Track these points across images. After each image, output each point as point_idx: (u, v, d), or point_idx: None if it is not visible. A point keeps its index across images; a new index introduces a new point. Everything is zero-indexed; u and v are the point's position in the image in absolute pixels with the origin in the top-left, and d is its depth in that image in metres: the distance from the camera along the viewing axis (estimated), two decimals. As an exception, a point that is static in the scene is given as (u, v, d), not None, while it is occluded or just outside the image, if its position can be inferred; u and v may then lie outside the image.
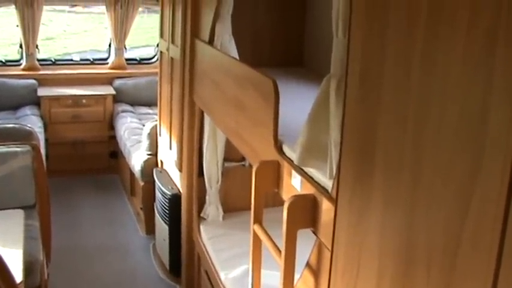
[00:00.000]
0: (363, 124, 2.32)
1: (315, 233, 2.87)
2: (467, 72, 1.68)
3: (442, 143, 1.79)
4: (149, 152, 7.11)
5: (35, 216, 5.46)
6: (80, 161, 8.97)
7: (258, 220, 3.38)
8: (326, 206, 2.73)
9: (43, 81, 9.12)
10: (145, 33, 12.86)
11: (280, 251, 2.98)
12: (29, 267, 4.55)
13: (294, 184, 3.10)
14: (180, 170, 5.83)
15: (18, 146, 5.69)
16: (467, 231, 1.69)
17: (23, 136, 5.94)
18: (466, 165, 1.68)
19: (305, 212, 2.86)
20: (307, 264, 2.99)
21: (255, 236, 3.39)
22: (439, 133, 1.81)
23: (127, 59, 9.63)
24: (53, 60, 9.75)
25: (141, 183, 7.18)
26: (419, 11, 1.90)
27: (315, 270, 2.91)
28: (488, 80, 1.59)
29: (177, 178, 6.02)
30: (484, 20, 1.60)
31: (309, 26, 5.86)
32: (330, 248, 2.67)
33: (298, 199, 2.87)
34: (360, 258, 2.38)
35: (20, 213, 5.14)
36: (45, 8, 9.07)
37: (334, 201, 2.61)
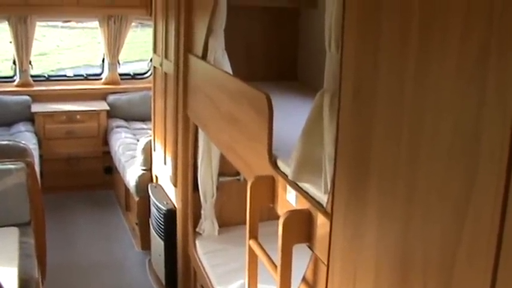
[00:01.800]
0: (357, 138, 2.32)
1: (310, 247, 2.86)
2: (461, 85, 1.68)
3: (436, 156, 1.79)
4: (144, 167, 7.10)
5: (29, 234, 5.43)
6: (75, 177, 8.95)
7: (253, 235, 3.37)
8: (321, 220, 2.72)
9: (37, 98, 9.10)
10: (139, 48, 12.85)
11: (276, 266, 2.98)
12: (24, 285, 4.52)
13: (289, 199, 3.09)
14: (175, 185, 5.82)
15: (13, 163, 5.67)
16: (463, 245, 1.69)
17: (17, 153, 5.92)
18: (461, 178, 1.68)
19: (300, 227, 2.85)
20: (303, 279, 2.98)
21: (251, 251, 3.38)
22: (433, 147, 1.81)
23: (120, 74, 9.63)
24: (47, 76, 9.74)
25: (136, 199, 7.16)
26: (411, 25, 1.90)
27: (311, 285, 2.90)
28: (482, 93, 1.59)
29: (172, 193, 6.01)
30: (476, 33, 1.61)
31: (302, 40, 5.87)
32: (325, 262, 2.66)
33: (293, 214, 2.86)
34: (355, 272, 2.38)
35: (15, 230, 5.13)
36: (38, 23, 9.07)
37: (330, 215, 2.60)
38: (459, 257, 1.70)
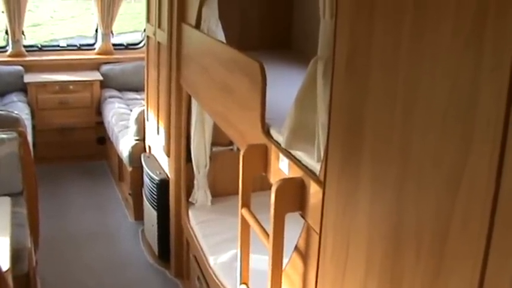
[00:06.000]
0: (351, 105, 2.30)
1: (303, 216, 2.85)
2: (457, 50, 1.66)
3: (431, 123, 1.78)
4: (137, 138, 7.07)
5: (22, 204, 5.42)
6: (68, 148, 8.91)
7: (246, 204, 3.36)
8: (314, 189, 2.71)
9: (30, 68, 9.04)
10: (133, 19, 12.81)
11: (268, 235, 2.97)
12: (16, 255, 4.52)
13: (281, 168, 3.08)
14: (168, 155, 5.80)
15: (5, 132, 5.64)
16: (457, 213, 1.68)
17: (10, 123, 5.89)
18: (456, 145, 1.67)
19: (293, 196, 2.84)
20: (296, 248, 2.97)
21: (243, 220, 3.37)
22: (428, 113, 1.79)
23: (114, 44, 9.55)
24: (40, 46, 9.68)
25: (129, 169, 7.14)
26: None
27: (303, 254, 2.89)
28: (478, 58, 1.57)
29: (165, 163, 6.00)
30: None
31: (296, 8, 5.83)
32: (318, 231, 2.65)
33: (285, 182, 2.85)
34: (348, 240, 2.37)
35: (7, 200, 5.10)
36: (31, -7, 9.00)
37: (322, 184, 2.59)
38: (453, 225, 1.69)
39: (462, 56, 1.64)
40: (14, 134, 5.64)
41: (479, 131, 1.58)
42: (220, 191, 5.63)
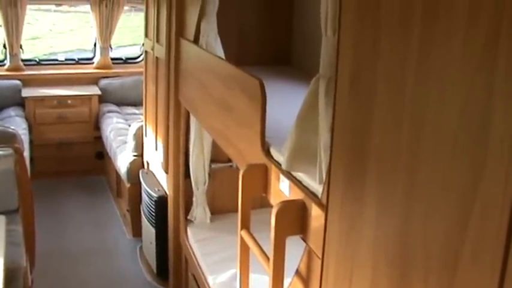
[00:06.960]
0: (355, 126, 2.23)
1: (304, 240, 2.77)
2: (467, 71, 1.59)
3: (440, 147, 1.70)
4: (135, 153, 7.02)
5: (17, 221, 5.36)
6: (66, 163, 8.88)
7: (245, 226, 3.29)
8: (316, 212, 2.63)
9: (27, 82, 9.02)
10: (133, 32, 12.78)
11: (268, 259, 2.89)
12: (10, 275, 4.44)
13: (282, 189, 3.01)
14: (166, 172, 5.74)
15: (1, 149, 5.59)
16: (467, 243, 1.60)
17: (6, 139, 5.84)
18: (467, 171, 1.59)
19: (294, 219, 2.77)
20: (297, 272, 2.90)
21: (243, 242, 3.30)
22: (436, 136, 1.72)
23: (113, 59, 9.55)
24: (38, 60, 9.68)
25: (127, 185, 7.09)
26: (413, 5, 1.81)
27: (304, 279, 2.82)
28: (490, 81, 1.50)
29: (164, 180, 5.93)
30: (484, 16, 1.51)
31: (297, 23, 5.79)
32: (320, 256, 2.58)
33: (286, 205, 2.78)
34: (352, 267, 2.29)
35: (2, 218, 5.03)
36: (30, 7, 9.01)
37: (325, 207, 2.52)
38: (464, 256, 1.62)
39: (473, 79, 1.56)
40: (10, 151, 5.60)
41: (492, 155, 1.50)
42: (219, 208, 5.57)
